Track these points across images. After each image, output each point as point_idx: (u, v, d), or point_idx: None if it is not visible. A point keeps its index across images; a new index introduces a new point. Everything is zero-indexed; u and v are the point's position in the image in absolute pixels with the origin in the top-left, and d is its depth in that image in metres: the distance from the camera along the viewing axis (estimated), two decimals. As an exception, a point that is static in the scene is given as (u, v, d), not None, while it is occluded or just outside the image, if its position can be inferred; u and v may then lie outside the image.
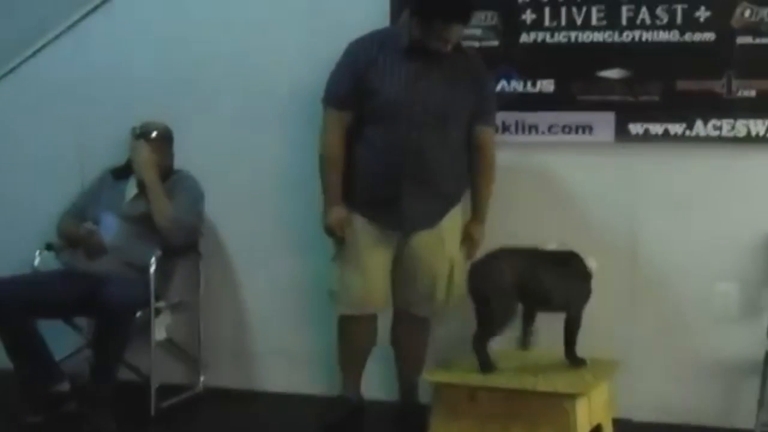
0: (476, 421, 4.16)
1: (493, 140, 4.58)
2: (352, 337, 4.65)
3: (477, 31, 4.72)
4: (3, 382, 4.96)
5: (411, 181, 4.42)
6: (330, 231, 4.54)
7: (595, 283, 4.21)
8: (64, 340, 5.00)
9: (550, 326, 4.29)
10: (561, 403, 4.06)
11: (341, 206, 4.51)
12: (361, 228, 4.51)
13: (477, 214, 4.60)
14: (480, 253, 4.43)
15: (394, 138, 4.40)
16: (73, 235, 4.97)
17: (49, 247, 5.09)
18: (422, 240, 4.51)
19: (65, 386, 4.79)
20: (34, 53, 5.39)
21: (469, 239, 4.59)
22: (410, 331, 4.67)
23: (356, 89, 4.43)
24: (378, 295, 4.56)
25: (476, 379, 4.18)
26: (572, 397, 4.05)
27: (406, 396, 4.70)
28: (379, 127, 4.43)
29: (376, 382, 4.86)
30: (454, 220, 4.56)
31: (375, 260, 4.51)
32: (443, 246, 4.52)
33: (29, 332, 4.74)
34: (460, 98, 4.44)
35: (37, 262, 5.07)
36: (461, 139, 4.50)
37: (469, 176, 4.58)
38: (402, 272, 4.55)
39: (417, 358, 4.70)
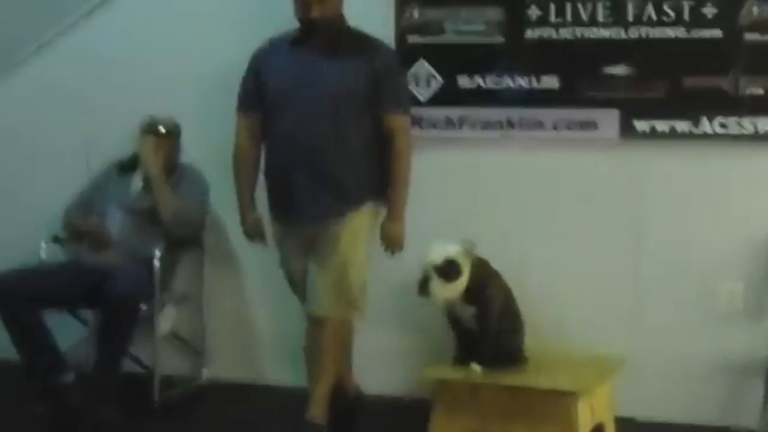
0: (477, 418, 4.18)
1: (404, 127, 4.29)
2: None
3: (481, 26, 4.71)
4: (8, 373, 4.99)
5: (300, 173, 4.22)
6: (249, 238, 4.48)
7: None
8: (69, 331, 5.01)
9: (554, 321, 4.30)
10: (563, 400, 4.06)
11: (253, 211, 4.43)
12: (276, 229, 4.42)
13: (390, 209, 4.28)
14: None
15: (285, 129, 4.27)
16: (80, 228, 5.00)
17: (55, 239, 5.10)
18: (327, 235, 4.23)
19: (70, 377, 4.79)
20: (42, 47, 5.40)
21: (384, 238, 4.30)
22: (316, 334, 4.34)
23: (256, 89, 4.37)
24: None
25: (478, 375, 4.19)
26: (574, 395, 4.06)
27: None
28: (274, 121, 4.32)
29: (376, 377, 4.86)
30: (360, 221, 4.26)
31: (297, 263, 4.38)
32: (338, 244, 4.22)
33: (35, 323, 4.75)
34: (351, 82, 4.21)
35: (43, 254, 5.08)
36: (367, 132, 4.26)
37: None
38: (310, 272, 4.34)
39: (329, 360, 4.37)
